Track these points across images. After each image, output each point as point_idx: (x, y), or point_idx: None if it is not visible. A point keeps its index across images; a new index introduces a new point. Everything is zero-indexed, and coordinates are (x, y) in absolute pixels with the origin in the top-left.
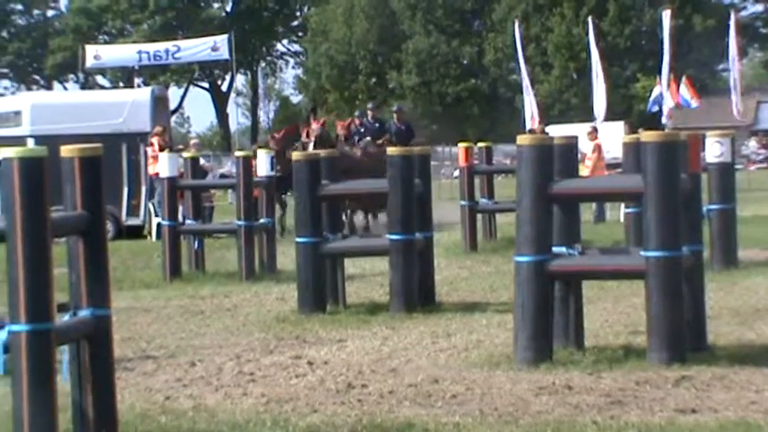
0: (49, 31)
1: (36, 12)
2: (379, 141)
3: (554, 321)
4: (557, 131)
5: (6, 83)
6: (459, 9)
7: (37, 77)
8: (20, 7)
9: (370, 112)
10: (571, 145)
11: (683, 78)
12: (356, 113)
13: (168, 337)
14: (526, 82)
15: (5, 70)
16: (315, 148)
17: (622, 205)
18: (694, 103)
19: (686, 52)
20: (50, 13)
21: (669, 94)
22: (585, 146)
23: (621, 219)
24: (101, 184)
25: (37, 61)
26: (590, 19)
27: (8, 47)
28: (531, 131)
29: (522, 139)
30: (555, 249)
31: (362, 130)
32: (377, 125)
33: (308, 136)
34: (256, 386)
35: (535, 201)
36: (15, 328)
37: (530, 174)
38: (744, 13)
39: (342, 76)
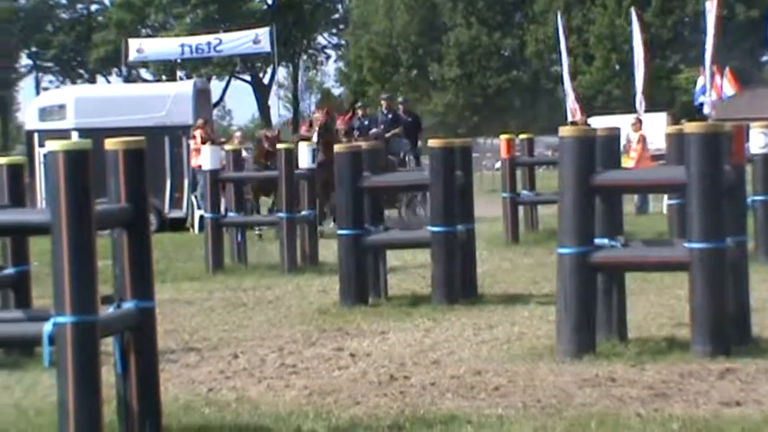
0: (92, 25)
1: (80, 6)
2: (390, 133)
3: (597, 313)
4: (599, 123)
5: (51, 77)
6: (500, 1)
7: (81, 71)
8: (64, 1)
9: (384, 102)
10: (614, 136)
11: (726, 70)
12: (358, 104)
13: (211, 329)
14: (566, 74)
15: (50, 64)
16: (319, 138)
17: (665, 197)
18: (732, 91)
19: (730, 43)
20: (94, 7)
21: (712, 86)
22: (629, 137)
23: (664, 210)
24: (144, 176)
25: (81, 55)
26: (633, 10)
27: (53, 41)
28: (574, 123)
29: (565, 131)
30: (597, 241)
31: (367, 122)
32: (389, 116)
33: (311, 126)
34: (299, 378)
35: (578, 192)
36: (60, 319)
37: (572, 165)
38: None
39: (383, 69)
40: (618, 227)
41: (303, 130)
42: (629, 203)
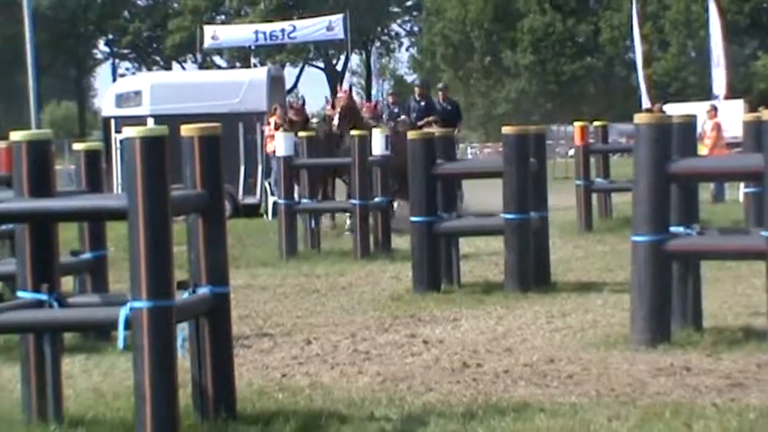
0: (168, 13)
1: None
2: (423, 121)
3: (672, 302)
4: (675, 110)
5: (127, 64)
6: None
7: (156, 58)
8: None
9: (417, 89)
10: (690, 124)
11: None
12: (391, 91)
13: (284, 314)
14: (639, 62)
15: (126, 51)
16: (340, 120)
17: (741, 185)
18: None
19: None
20: None
21: None
22: (704, 125)
23: (741, 199)
24: (220, 163)
25: (156, 42)
26: None
27: (129, 27)
28: (649, 110)
29: (640, 118)
30: (673, 229)
31: (396, 110)
32: (423, 104)
33: (333, 108)
34: (372, 364)
35: (653, 180)
36: (137, 304)
37: (647, 153)
38: None
39: (456, 55)
40: (693, 215)
41: (327, 109)
42: (705, 191)
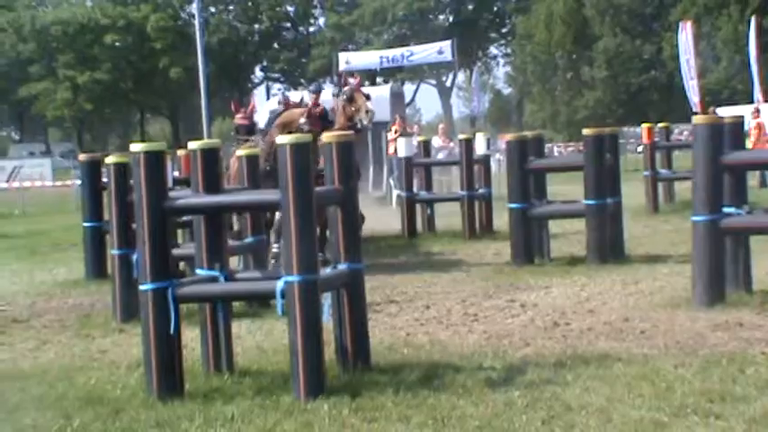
0: (310, 43)
1: (300, 28)
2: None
3: (725, 270)
4: (726, 112)
5: (278, 85)
6: (640, 13)
7: (301, 80)
8: (288, 25)
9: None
10: (738, 123)
11: None
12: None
13: (407, 285)
14: (686, 76)
15: (277, 75)
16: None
17: None
18: None
19: None
20: (311, 28)
21: None
22: (750, 123)
23: None
24: (353, 163)
25: (300, 67)
26: (753, 18)
27: (279, 56)
28: (705, 113)
29: (698, 119)
30: (726, 210)
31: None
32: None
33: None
34: (479, 324)
35: (708, 170)
36: (289, 278)
37: (704, 147)
38: None
39: (543, 72)
40: (742, 198)
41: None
42: (753, 179)
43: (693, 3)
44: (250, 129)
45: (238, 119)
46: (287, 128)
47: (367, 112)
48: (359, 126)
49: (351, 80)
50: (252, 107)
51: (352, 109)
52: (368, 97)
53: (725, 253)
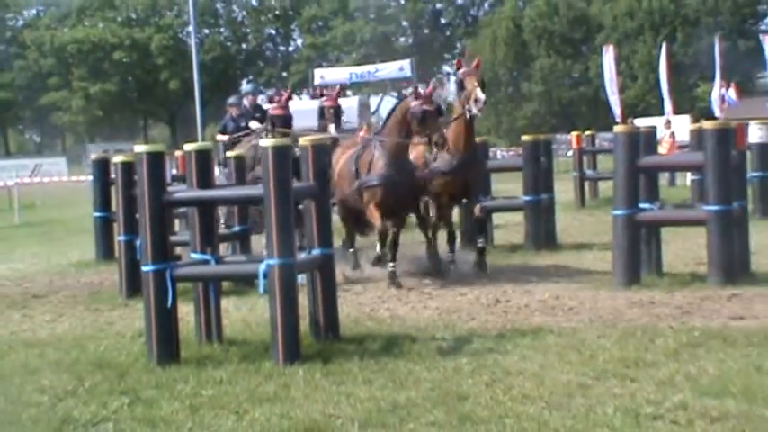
0: (289, 61)
1: (281, 47)
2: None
3: (641, 256)
4: (642, 123)
5: (262, 96)
6: (570, 38)
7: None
8: (270, 44)
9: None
10: (652, 132)
11: (732, 84)
12: (230, 100)
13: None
14: (614, 90)
15: (262, 88)
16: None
17: (689, 174)
18: (735, 99)
19: (733, 65)
20: (291, 48)
21: (720, 96)
22: (662, 133)
23: (688, 183)
24: (327, 163)
25: (281, 81)
26: (663, 43)
27: (263, 71)
28: (625, 123)
29: (618, 128)
30: (641, 205)
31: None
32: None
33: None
34: (432, 301)
35: (627, 171)
36: (271, 261)
37: (623, 152)
38: None
39: (489, 87)
40: (655, 195)
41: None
42: (663, 179)
43: (615, 30)
44: (287, 119)
45: (273, 110)
46: (404, 114)
47: (476, 100)
48: (467, 115)
49: (326, 92)
50: (287, 95)
51: (463, 96)
52: (482, 84)
53: (640, 242)
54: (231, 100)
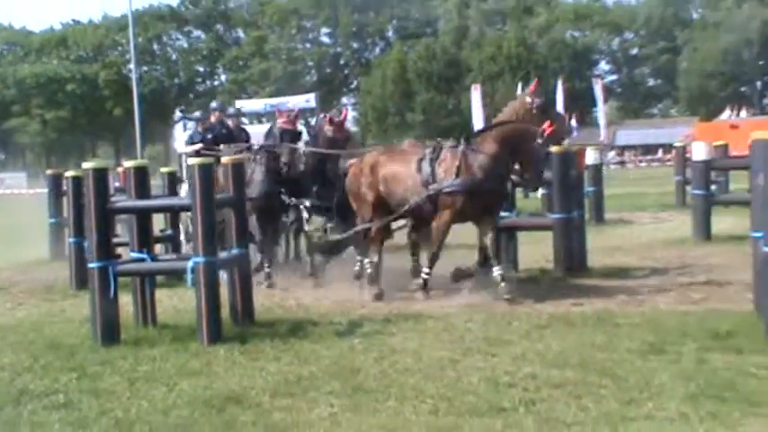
0: (215, 93)
1: (207, 82)
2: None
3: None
4: None
5: (191, 123)
6: (446, 77)
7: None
8: (199, 80)
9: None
10: None
11: (574, 116)
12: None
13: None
14: (482, 121)
15: (191, 115)
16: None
17: (540, 188)
18: (576, 128)
19: (574, 101)
20: (216, 83)
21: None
22: None
23: (539, 196)
24: (243, 178)
25: (207, 111)
26: (519, 84)
27: (193, 102)
28: None
29: None
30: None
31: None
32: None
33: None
34: (331, 293)
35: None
36: (197, 259)
37: None
38: (607, 80)
39: (379, 117)
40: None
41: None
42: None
43: (481, 71)
44: (295, 134)
45: (281, 123)
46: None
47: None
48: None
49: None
50: (297, 112)
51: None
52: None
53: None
54: (197, 114)
